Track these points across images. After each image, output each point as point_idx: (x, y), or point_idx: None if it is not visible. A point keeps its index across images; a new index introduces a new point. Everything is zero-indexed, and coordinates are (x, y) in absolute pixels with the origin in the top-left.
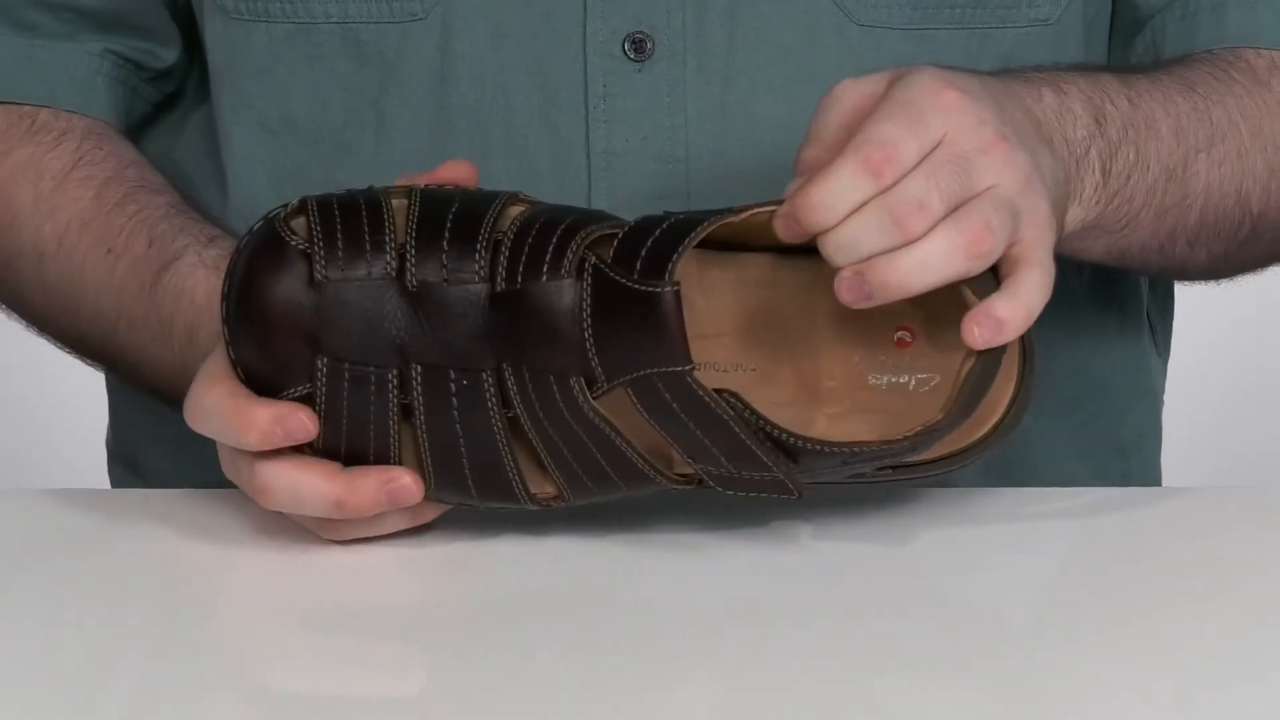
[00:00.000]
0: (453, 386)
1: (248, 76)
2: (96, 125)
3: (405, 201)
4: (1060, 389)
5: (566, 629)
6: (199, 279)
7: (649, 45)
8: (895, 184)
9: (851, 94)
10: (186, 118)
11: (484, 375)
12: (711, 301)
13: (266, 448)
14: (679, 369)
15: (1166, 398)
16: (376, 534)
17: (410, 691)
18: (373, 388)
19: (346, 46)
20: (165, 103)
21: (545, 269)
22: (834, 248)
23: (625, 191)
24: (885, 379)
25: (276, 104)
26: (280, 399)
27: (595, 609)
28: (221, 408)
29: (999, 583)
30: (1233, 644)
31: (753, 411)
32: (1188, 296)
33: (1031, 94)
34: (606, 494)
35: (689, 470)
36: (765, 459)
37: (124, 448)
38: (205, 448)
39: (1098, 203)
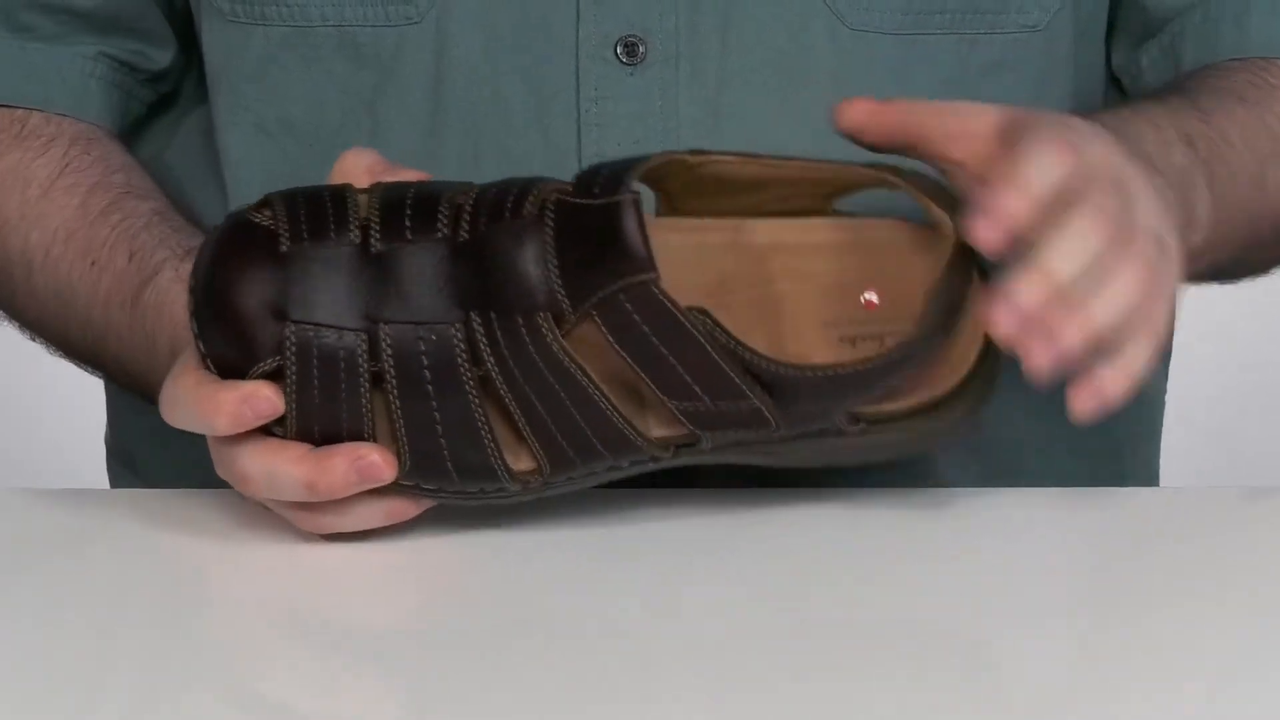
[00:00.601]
0: (421, 345)
1: (244, 79)
2: (86, 129)
3: (367, 195)
4: (1052, 388)
5: (558, 638)
6: (176, 294)
7: (641, 49)
8: (1080, 189)
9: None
10: (181, 119)
11: (452, 330)
12: (674, 269)
13: (238, 430)
14: (644, 277)
15: (1166, 398)
16: (353, 527)
17: (408, 694)
18: (342, 354)
19: (343, 49)
20: (160, 103)
21: (507, 214)
22: (1057, 260)
23: None
24: (855, 337)
25: (273, 106)
26: (250, 375)
27: (586, 617)
28: (189, 396)
29: (996, 583)
30: (1232, 644)
31: (723, 330)
32: (1187, 296)
33: (1132, 133)
34: (584, 462)
35: (666, 432)
36: (739, 382)
37: (122, 445)
38: (201, 446)
39: (1210, 224)
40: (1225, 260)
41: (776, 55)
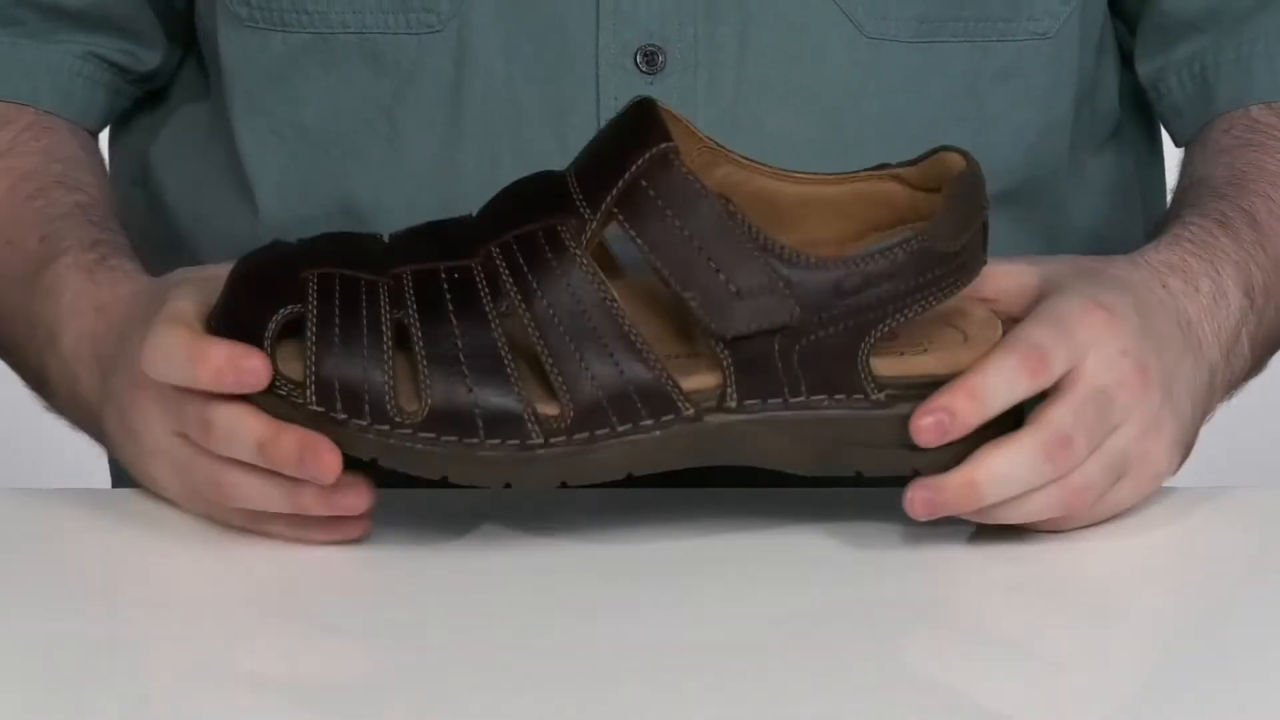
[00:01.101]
0: (444, 284)
1: (262, 84)
2: (45, 118)
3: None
4: None
5: (555, 646)
6: (69, 280)
7: (660, 58)
8: (1046, 418)
9: (1002, 275)
10: (168, 118)
11: (474, 264)
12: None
13: (217, 387)
14: (662, 146)
15: None
16: (288, 534)
17: (407, 696)
18: (364, 293)
19: (364, 57)
20: (148, 99)
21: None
22: (989, 484)
23: None
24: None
25: (290, 111)
26: (270, 323)
27: (586, 622)
28: (178, 344)
29: (996, 584)
30: (1232, 644)
31: (743, 215)
32: None
33: (1188, 291)
34: (611, 407)
35: (693, 385)
36: (761, 258)
37: None
38: None
39: (1245, 374)
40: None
41: (794, 64)
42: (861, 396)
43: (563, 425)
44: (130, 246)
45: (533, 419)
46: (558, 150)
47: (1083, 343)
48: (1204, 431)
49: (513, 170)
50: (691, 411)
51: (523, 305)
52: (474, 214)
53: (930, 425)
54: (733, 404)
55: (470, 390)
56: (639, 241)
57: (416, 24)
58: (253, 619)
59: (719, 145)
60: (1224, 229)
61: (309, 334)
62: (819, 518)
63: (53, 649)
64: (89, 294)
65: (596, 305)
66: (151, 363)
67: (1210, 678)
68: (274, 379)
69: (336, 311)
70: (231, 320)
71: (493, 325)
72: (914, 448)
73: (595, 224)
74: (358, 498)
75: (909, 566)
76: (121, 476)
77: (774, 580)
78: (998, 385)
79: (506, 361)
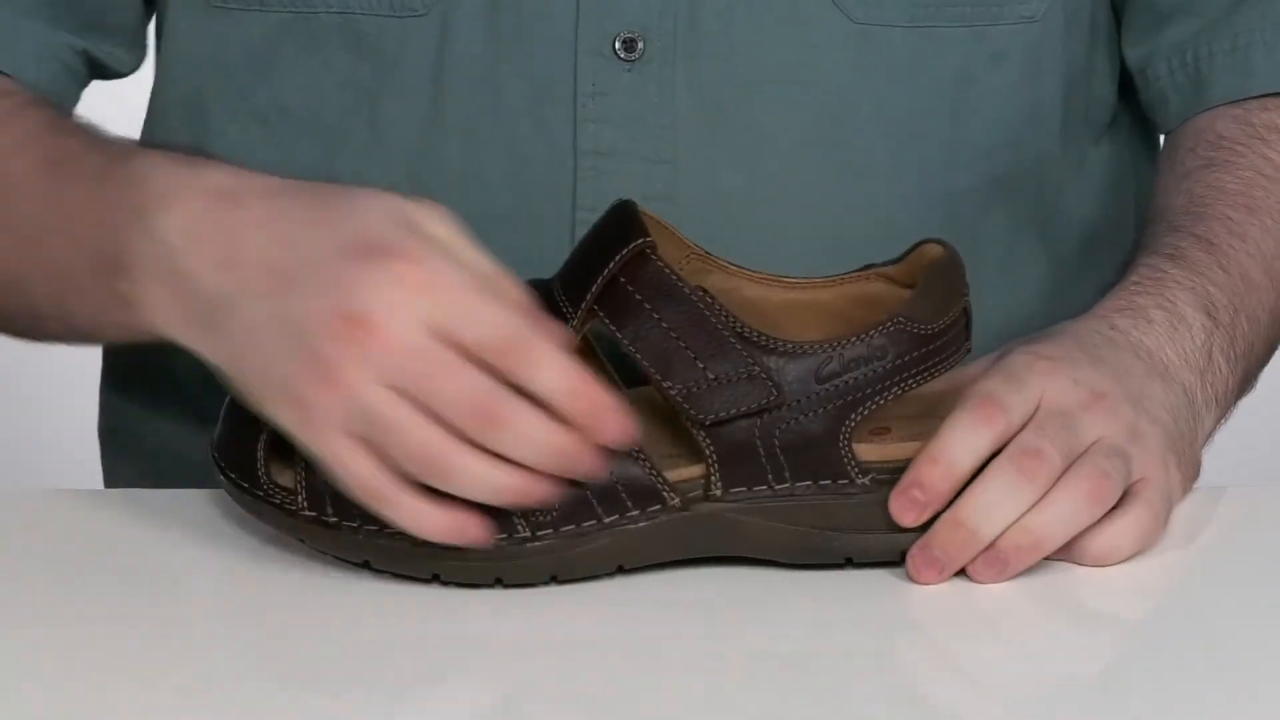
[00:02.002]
0: None
1: (238, 67)
2: (39, 98)
3: None
4: None
5: (552, 667)
6: (164, 167)
7: (640, 45)
8: (1010, 439)
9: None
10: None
11: None
12: None
13: (588, 428)
14: (639, 242)
15: None
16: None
17: (407, 688)
18: None
19: (346, 38)
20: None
21: None
22: (975, 517)
23: (612, 192)
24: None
25: (271, 94)
26: (258, 441)
27: (584, 647)
28: (571, 372)
29: (995, 586)
30: (1232, 644)
31: (721, 305)
32: None
33: (1140, 325)
34: (597, 499)
35: (678, 476)
36: (739, 347)
37: (111, 424)
38: (189, 423)
39: (1232, 390)
40: (1256, 373)
41: (778, 52)
42: (846, 482)
43: (549, 518)
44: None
45: (520, 516)
46: (537, 137)
47: (1035, 386)
48: None
49: (494, 158)
50: (677, 501)
51: None
52: None
53: (906, 505)
54: (717, 492)
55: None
56: (619, 336)
57: (400, 7)
58: (254, 619)
59: (707, 253)
60: (1174, 261)
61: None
62: None
63: (53, 649)
64: (197, 176)
65: None
66: (523, 358)
67: (1210, 678)
68: (269, 488)
69: None
70: (225, 443)
71: None
72: (901, 530)
73: (576, 322)
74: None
75: (906, 588)
76: (114, 467)
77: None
78: (958, 443)
79: None
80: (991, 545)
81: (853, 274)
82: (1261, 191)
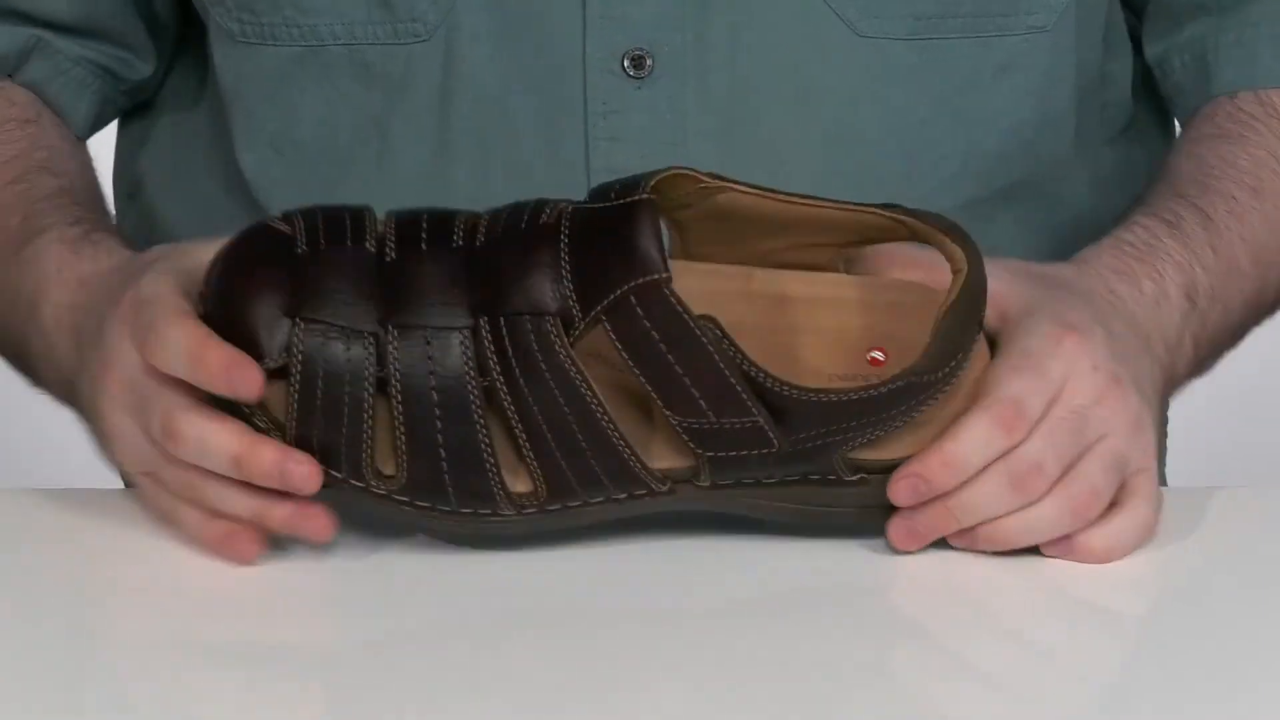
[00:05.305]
0: (430, 350)
1: (258, 99)
2: (31, 110)
3: (385, 216)
4: None
5: (540, 638)
6: (53, 252)
7: (649, 62)
8: (1015, 446)
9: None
10: (153, 134)
11: (460, 336)
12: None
13: (211, 387)
14: (655, 277)
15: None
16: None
17: (408, 687)
18: (348, 363)
19: (354, 68)
20: (134, 113)
21: (524, 224)
22: (962, 509)
23: None
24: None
25: (285, 125)
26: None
27: (569, 615)
28: (185, 338)
29: (994, 582)
30: (1233, 644)
31: (731, 342)
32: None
33: (1133, 294)
34: (581, 489)
35: (665, 465)
36: (743, 394)
37: None
38: None
39: (1189, 372)
40: (1214, 359)
41: (786, 66)
42: (836, 479)
43: (536, 501)
44: (115, 227)
45: (505, 498)
46: (549, 156)
47: (1058, 377)
48: (1204, 431)
49: (504, 178)
50: (665, 488)
51: (504, 388)
52: (483, 216)
53: (905, 488)
54: (706, 484)
55: (445, 473)
56: (624, 355)
57: (404, 34)
58: (255, 620)
59: (720, 177)
60: (1171, 230)
61: (291, 395)
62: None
63: (53, 649)
64: (71, 265)
65: (577, 400)
66: (152, 351)
67: (1210, 678)
68: (254, 411)
69: (320, 381)
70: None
71: (474, 411)
72: (893, 509)
73: (583, 327)
74: (323, 526)
75: (904, 567)
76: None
77: (752, 571)
78: (972, 449)
79: (485, 447)
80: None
81: (873, 208)
82: (1270, 174)
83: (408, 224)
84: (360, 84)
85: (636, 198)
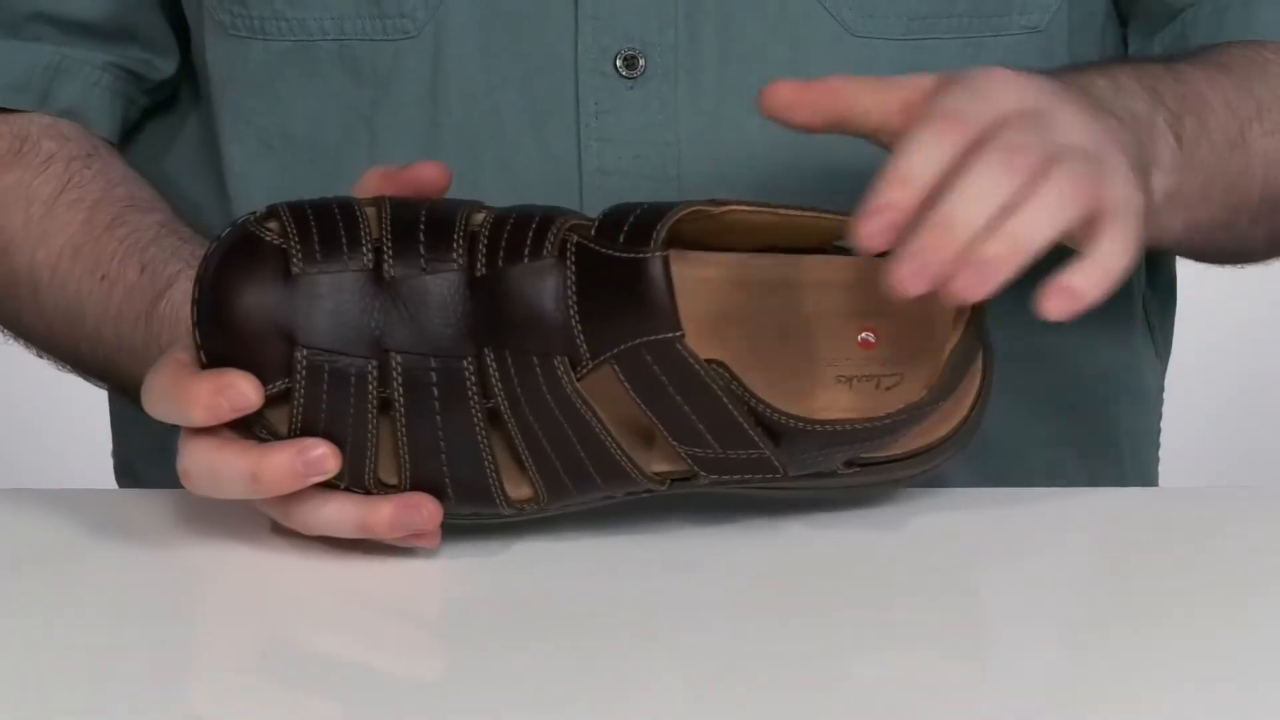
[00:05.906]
0: (433, 375)
1: (247, 92)
2: (85, 144)
3: (375, 209)
4: (1050, 390)
5: (545, 629)
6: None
7: (641, 62)
8: (984, 139)
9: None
10: (178, 127)
11: (465, 362)
12: (679, 300)
13: (215, 421)
14: (669, 335)
15: (1166, 397)
16: (322, 528)
17: (408, 686)
18: (352, 380)
19: (343, 64)
20: (154, 109)
21: (526, 252)
22: (954, 212)
23: None
24: (851, 378)
25: (275, 120)
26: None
27: (572, 608)
28: (165, 387)
29: (991, 582)
30: (1232, 645)
31: (740, 384)
32: (1188, 296)
33: (1083, 80)
34: (582, 493)
35: (664, 468)
36: (753, 434)
37: (125, 457)
38: None
39: (1176, 168)
40: (1206, 222)
41: (778, 65)
42: (831, 473)
43: (534, 505)
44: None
45: (504, 502)
46: (539, 156)
47: (993, 89)
48: (1203, 432)
49: (493, 177)
50: (665, 487)
51: (508, 411)
52: (487, 218)
53: (875, 228)
54: (704, 482)
55: (446, 477)
56: (633, 394)
57: (392, 30)
58: (255, 620)
59: (723, 202)
60: (1125, 64)
61: (294, 419)
62: (815, 512)
63: (51, 650)
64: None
65: (583, 427)
66: (149, 405)
67: (1210, 678)
68: (257, 423)
69: (323, 406)
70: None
71: (476, 421)
72: (895, 480)
73: (591, 368)
74: (431, 514)
75: (904, 562)
76: (125, 475)
77: (766, 573)
78: (919, 159)
79: (485, 453)
80: (972, 255)
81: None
82: (1244, 62)
83: (405, 230)
84: (350, 80)
85: (649, 255)
